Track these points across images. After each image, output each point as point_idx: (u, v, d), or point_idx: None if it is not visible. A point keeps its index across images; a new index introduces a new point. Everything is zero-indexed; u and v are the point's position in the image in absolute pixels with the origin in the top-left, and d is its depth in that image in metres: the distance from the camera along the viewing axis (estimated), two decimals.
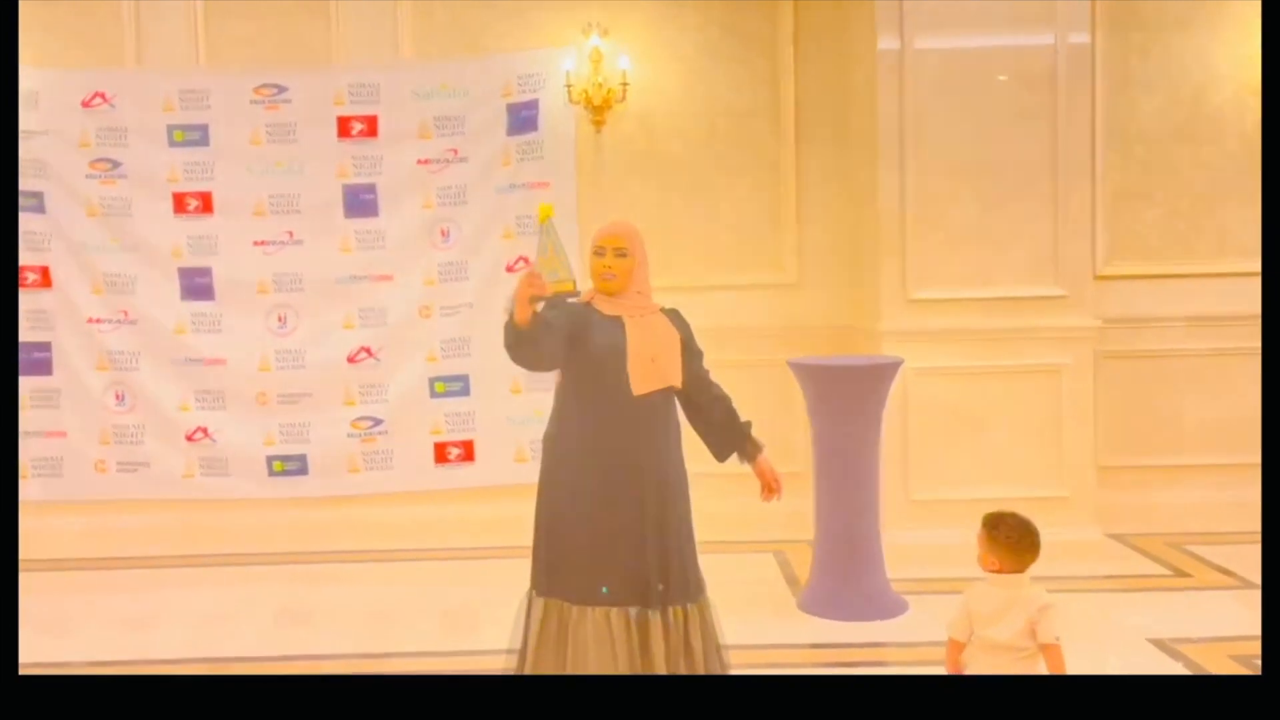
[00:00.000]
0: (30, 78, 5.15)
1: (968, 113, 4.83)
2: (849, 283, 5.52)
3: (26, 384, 5.22)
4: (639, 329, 2.83)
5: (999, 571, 2.73)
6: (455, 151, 5.21)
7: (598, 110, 5.35)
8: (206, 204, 5.22)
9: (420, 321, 5.24)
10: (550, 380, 2.97)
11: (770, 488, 3.07)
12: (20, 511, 4.90)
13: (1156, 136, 5.43)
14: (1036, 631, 2.63)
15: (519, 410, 5.07)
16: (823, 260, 5.58)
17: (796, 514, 5.12)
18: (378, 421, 5.25)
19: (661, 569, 2.78)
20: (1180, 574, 4.68)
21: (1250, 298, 4.05)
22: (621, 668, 2.65)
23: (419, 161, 5.21)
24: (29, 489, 5.22)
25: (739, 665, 3.09)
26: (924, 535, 4.74)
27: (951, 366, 4.82)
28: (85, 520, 5.37)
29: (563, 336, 2.72)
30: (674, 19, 5.51)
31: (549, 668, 2.73)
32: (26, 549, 4.90)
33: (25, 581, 4.58)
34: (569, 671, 2.68)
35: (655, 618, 2.74)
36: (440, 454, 5.28)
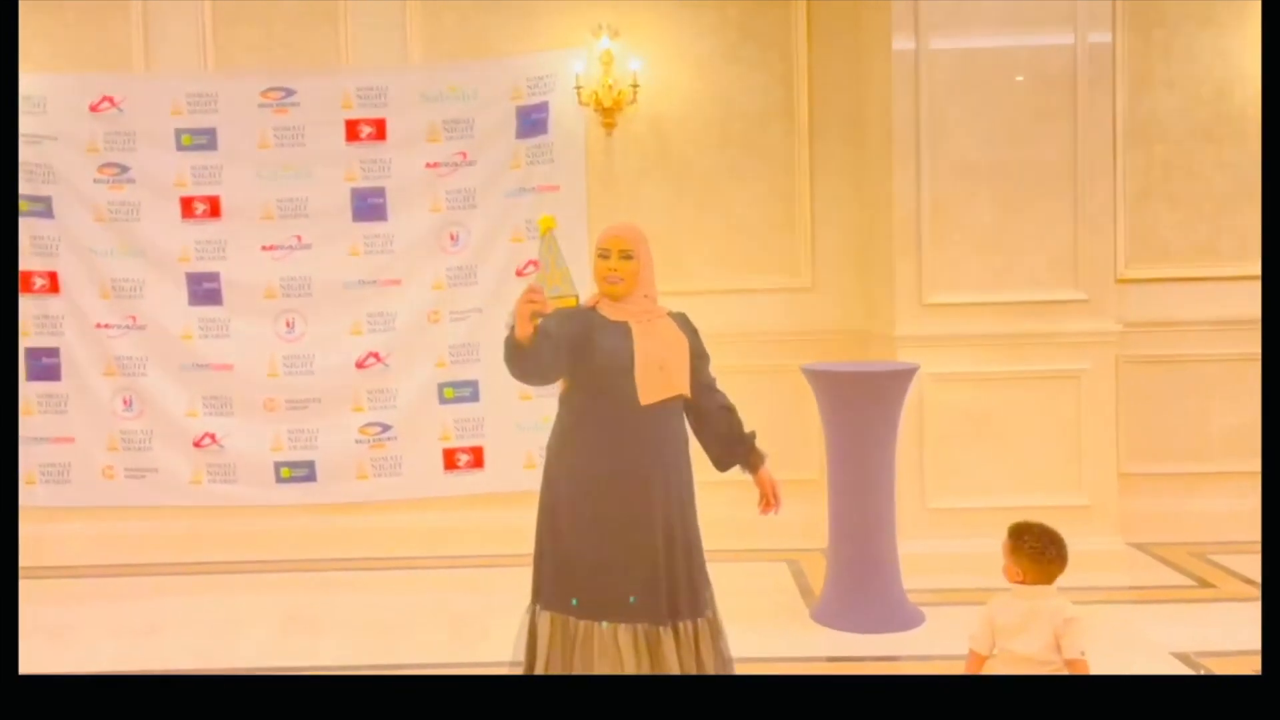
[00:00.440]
0: (38, 82, 5.15)
1: (985, 113, 4.74)
2: (863, 287, 5.44)
3: (35, 389, 5.21)
4: (646, 335, 2.75)
5: (1023, 583, 2.66)
6: (464, 155, 5.16)
7: (608, 113, 5.28)
8: (214, 208, 5.19)
9: (429, 326, 5.20)
10: (559, 386, 2.90)
11: (769, 500, 2.98)
12: (28, 517, 4.95)
13: (1178, 136, 5.32)
14: (1061, 645, 2.56)
15: (529, 416, 5.01)
16: (837, 264, 5.50)
17: (811, 522, 5.05)
18: (386, 427, 5.20)
19: (670, 584, 2.71)
20: (1204, 584, 4.58)
21: None
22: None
23: (428, 165, 5.16)
24: (37, 494, 5.21)
25: None
26: (941, 545, 4.65)
27: (968, 372, 4.73)
28: (92, 526, 5.33)
29: (565, 348, 2.65)
30: (685, 20, 5.43)
31: None
32: (34, 555, 4.92)
33: (32, 588, 4.60)
34: None
35: (666, 634, 2.67)
36: (449, 460, 5.23)
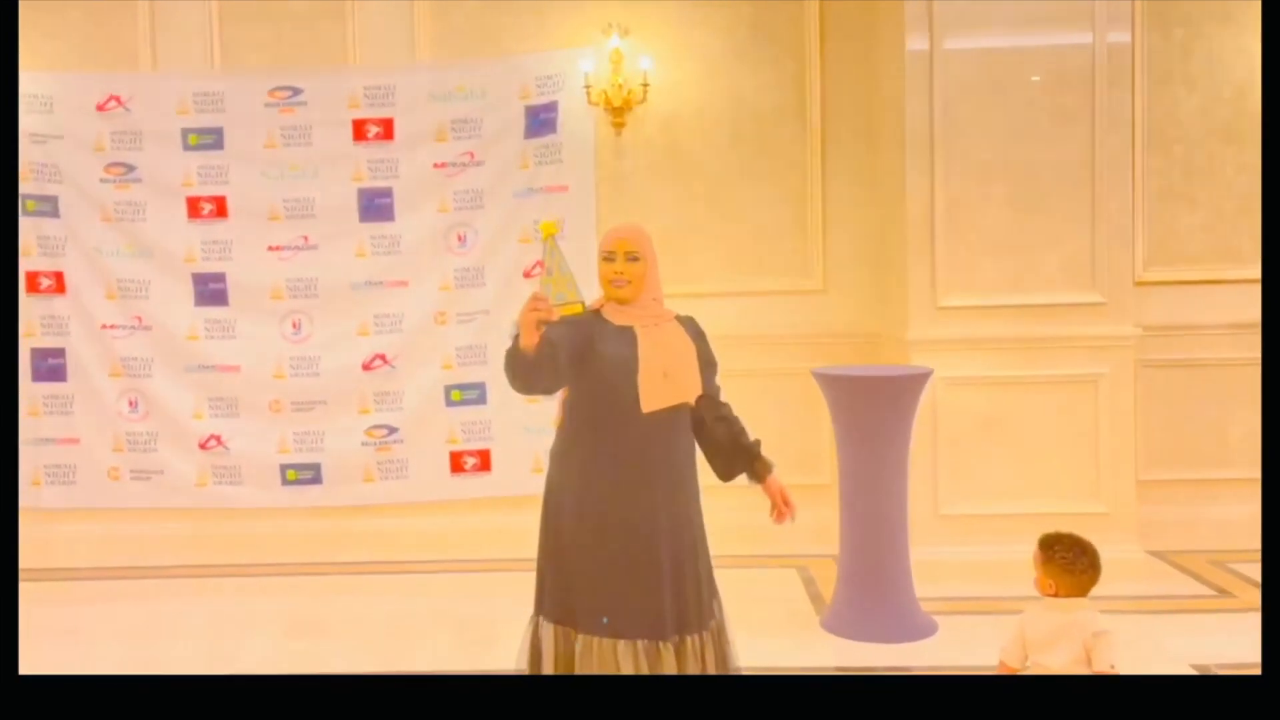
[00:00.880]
0: (45, 81, 5.12)
1: (1000, 114, 4.66)
2: (876, 289, 5.36)
3: (40, 390, 5.19)
4: (651, 341, 2.67)
5: (1055, 595, 2.58)
6: (472, 155, 5.11)
7: (618, 112, 5.22)
8: (221, 208, 5.15)
9: (436, 328, 5.15)
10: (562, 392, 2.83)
11: (780, 509, 2.88)
12: (33, 519, 4.93)
13: (1198, 137, 5.22)
14: (1091, 659, 2.49)
15: (536, 419, 4.94)
16: (849, 266, 5.43)
17: (821, 528, 4.97)
18: (393, 430, 5.15)
19: (674, 598, 2.63)
20: (1224, 594, 4.49)
21: None
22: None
23: (435, 165, 5.11)
24: (42, 496, 5.19)
25: None
26: (954, 552, 4.57)
27: (983, 376, 4.65)
28: (97, 528, 5.31)
29: (567, 356, 2.56)
30: (696, 18, 5.37)
31: None
32: (38, 557, 4.90)
33: (36, 591, 4.58)
34: None
35: (666, 649, 2.59)
36: (456, 463, 5.18)
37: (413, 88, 5.12)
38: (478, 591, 4.83)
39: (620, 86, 5.19)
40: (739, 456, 2.83)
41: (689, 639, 2.63)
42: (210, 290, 5.17)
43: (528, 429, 5.05)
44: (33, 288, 5.15)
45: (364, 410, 5.15)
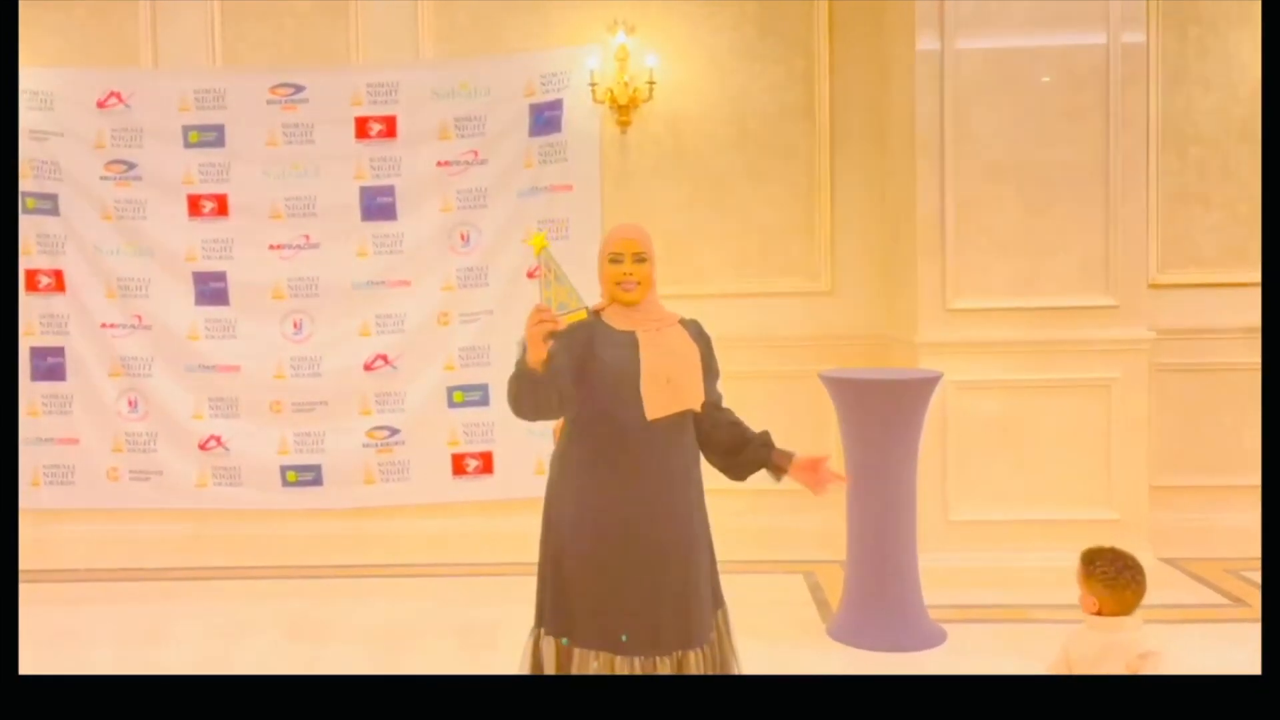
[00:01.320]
0: (46, 77, 5.07)
1: (1013, 114, 4.58)
2: (885, 291, 5.29)
3: (40, 389, 5.14)
4: (654, 345, 2.59)
5: (1098, 613, 2.49)
6: (476, 153, 5.05)
7: (623, 110, 5.16)
8: (222, 206, 5.10)
9: (438, 329, 5.08)
10: None
11: (820, 479, 2.68)
12: (31, 519, 4.88)
13: (1214, 137, 5.14)
14: None
15: (539, 422, 4.87)
16: (857, 267, 5.36)
17: (828, 533, 4.91)
18: (394, 431, 5.09)
19: (677, 614, 2.55)
20: (1238, 602, 4.40)
21: None
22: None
23: (438, 163, 5.05)
24: (40, 496, 5.14)
25: None
26: (963, 558, 4.50)
27: (993, 380, 4.57)
28: (96, 529, 5.28)
29: (571, 371, 2.49)
30: (703, 16, 5.31)
31: None
32: (36, 558, 4.85)
33: (34, 592, 4.53)
34: None
35: (664, 664, 2.52)
36: (458, 465, 5.11)
37: (416, 85, 5.05)
38: (479, 595, 4.76)
39: (626, 84, 5.13)
40: (747, 456, 2.70)
41: (691, 654, 2.55)
42: (211, 289, 5.11)
43: (531, 431, 4.91)
44: (32, 286, 5.10)
45: (365, 411, 5.09)
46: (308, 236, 5.09)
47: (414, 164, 5.05)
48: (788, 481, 2.70)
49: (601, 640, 2.51)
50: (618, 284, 2.61)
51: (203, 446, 5.12)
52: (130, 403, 5.14)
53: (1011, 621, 4.18)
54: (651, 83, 5.14)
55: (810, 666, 3.78)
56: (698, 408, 2.65)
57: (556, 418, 2.59)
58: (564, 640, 2.56)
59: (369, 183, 5.07)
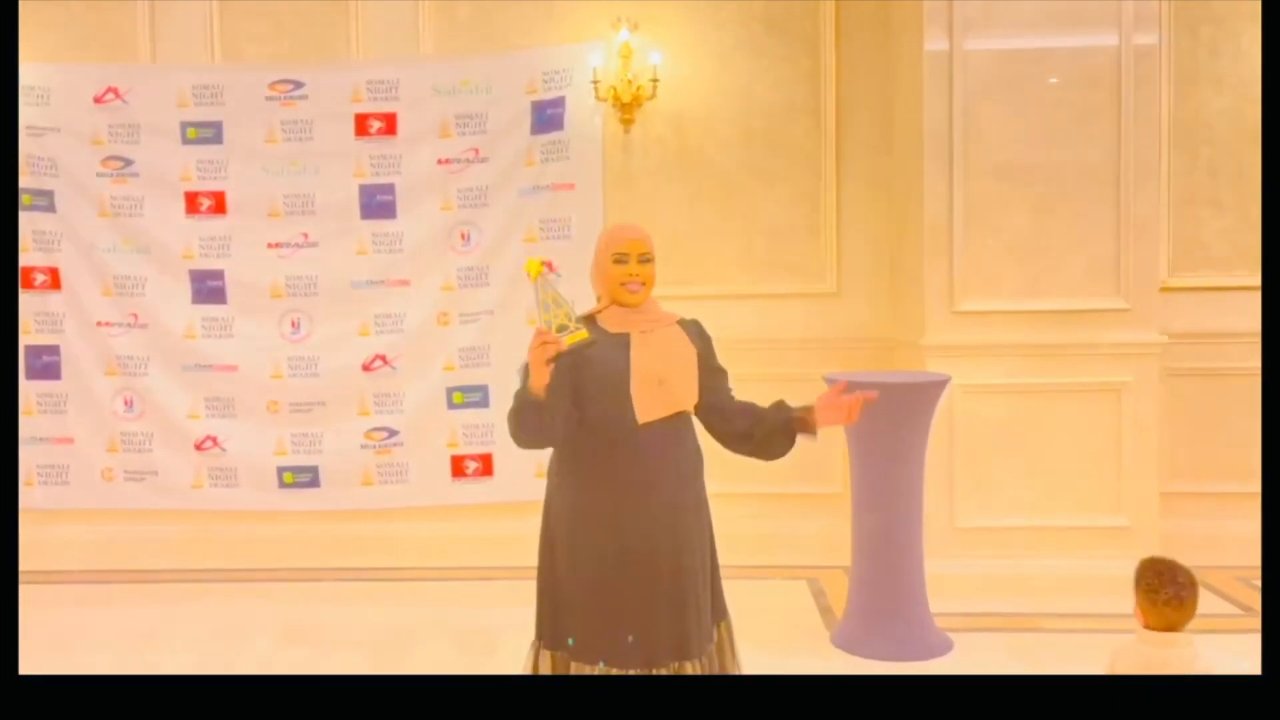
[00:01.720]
0: (42, 73, 5.01)
1: (1022, 115, 4.51)
2: (891, 293, 5.22)
3: (34, 388, 5.08)
4: (646, 347, 2.52)
5: (1147, 627, 2.40)
6: (476, 151, 4.97)
7: (627, 108, 5.09)
8: (220, 204, 5.03)
9: (438, 329, 5.01)
10: None
11: (851, 408, 2.53)
12: (24, 519, 4.80)
13: (1226, 138, 5.06)
14: None
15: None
16: (863, 269, 5.28)
17: (832, 538, 4.85)
18: (393, 433, 5.02)
19: (674, 625, 2.47)
20: (1249, 611, 4.34)
21: None
22: None
23: (439, 161, 4.97)
24: (34, 496, 5.08)
25: None
26: (970, 565, 4.43)
27: (1002, 384, 4.49)
28: (90, 530, 5.21)
29: (568, 387, 2.44)
30: (707, 13, 5.23)
31: None
32: (30, 559, 4.77)
33: (27, 594, 4.44)
34: None
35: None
36: (457, 467, 5.04)
37: (416, 82, 4.98)
38: (478, 600, 4.72)
39: (629, 82, 5.06)
40: (772, 431, 2.56)
41: (688, 665, 2.47)
42: (208, 288, 5.05)
43: None
44: (27, 284, 5.04)
45: (363, 412, 5.02)
46: (306, 235, 5.02)
47: (414, 162, 4.98)
48: (824, 438, 2.57)
49: (595, 653, 2.43)
50: (622, 285, 2.54)
51: (199, 447, 5.05)
52: (126, 402, 5.08)
53: (1020, 630, 4.11)
54: (655, 80, 5.07)
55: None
56: (691, 409, 2.57)
57: (558, 443, 2.52)
58: (559, 652, 2.49)
59: (368, 180, 5.00)
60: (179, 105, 5.02)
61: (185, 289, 5.04)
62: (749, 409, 2.61)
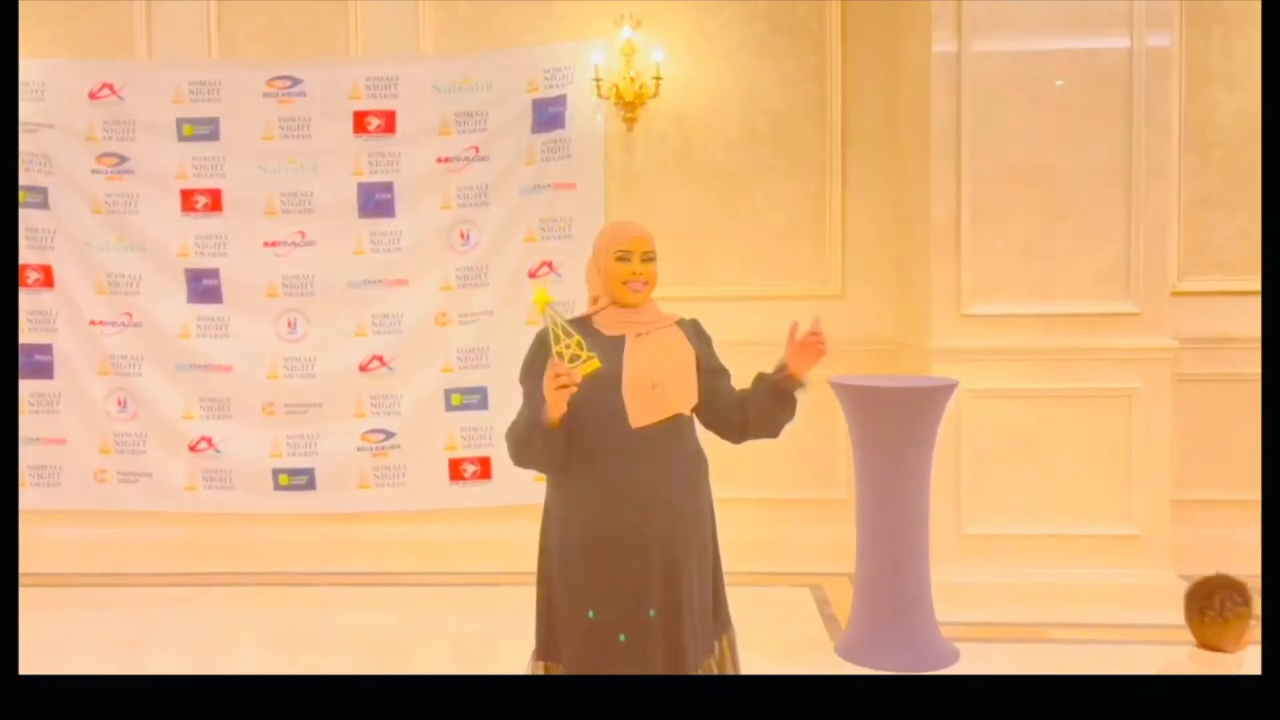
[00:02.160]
0: (37, 68, 4.94)
1: (1032, 116, 4.42)
2: (897, 295, 5.14)
3: (26, 387, 5.00)
4: (641, 349, 2.44)
5: (1199, 647, 2.31)
6: (477, 149, 4.90)
7: (629, 107, 5.01)
8: (216, 202, 4.96)
9: (436, 329, 4.93)
10: None
11: (814, 347, 2.46)
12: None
13: (1238, 139, 4.97)
14: None
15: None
16: (869, 271, 5.20)
17: (837, 544, 4.77)
18: (390, 435, 4.95)
19: (670, 640, 2.38)
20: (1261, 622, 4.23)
21: None
22: None
23: (438, 160, 4.90)
24: (26, 497, 5.00)
25: None
26: (977, 574, 4.34)
27: (1010, 389, 4.41)
28: (82, 532, 5.13)
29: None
30: (711, 10, 5.16)
31: None
32: (21, 561, 4.70)
33: (19, 596, 4.39)
34: None
35: None
36: (455, 471, 4.96)
37: (416, 79, 4.91)
38: (476, 605, 4.64)
39: (632, 80, 4.98)
40: (755, 396, 2.48)
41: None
42: (203, 287, 4.98)
43: None
44: (20, 281, 4.97)
45: (360, 414, 4.94)
46: (303, 233, 4.95)
47: (413, 160, 4.91)
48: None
49: (588, 666, 2.35)
50: (624, 283, 2.47)
51: (193, 448, 4.98)
52: (119, 402, 5.01)
53: (1028, 641, 4.03)
54: (658, 79, 4.99)
55: None
56: (687, 411, 2.48)
57: (558, 468, 2.45)
58: (557, 665, 2.42)
59: (367, 179, 4.93)
60: (175, 102, 4.95)
61: (180, 288, 4.97)
62: (741, 399, 2.54)
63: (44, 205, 4.97)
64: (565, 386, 2.23)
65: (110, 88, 4.96)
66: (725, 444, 2.63)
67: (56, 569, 4.96)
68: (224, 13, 5.21)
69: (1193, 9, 4.96)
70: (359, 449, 4.95)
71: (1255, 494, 4.85)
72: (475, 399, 4.95)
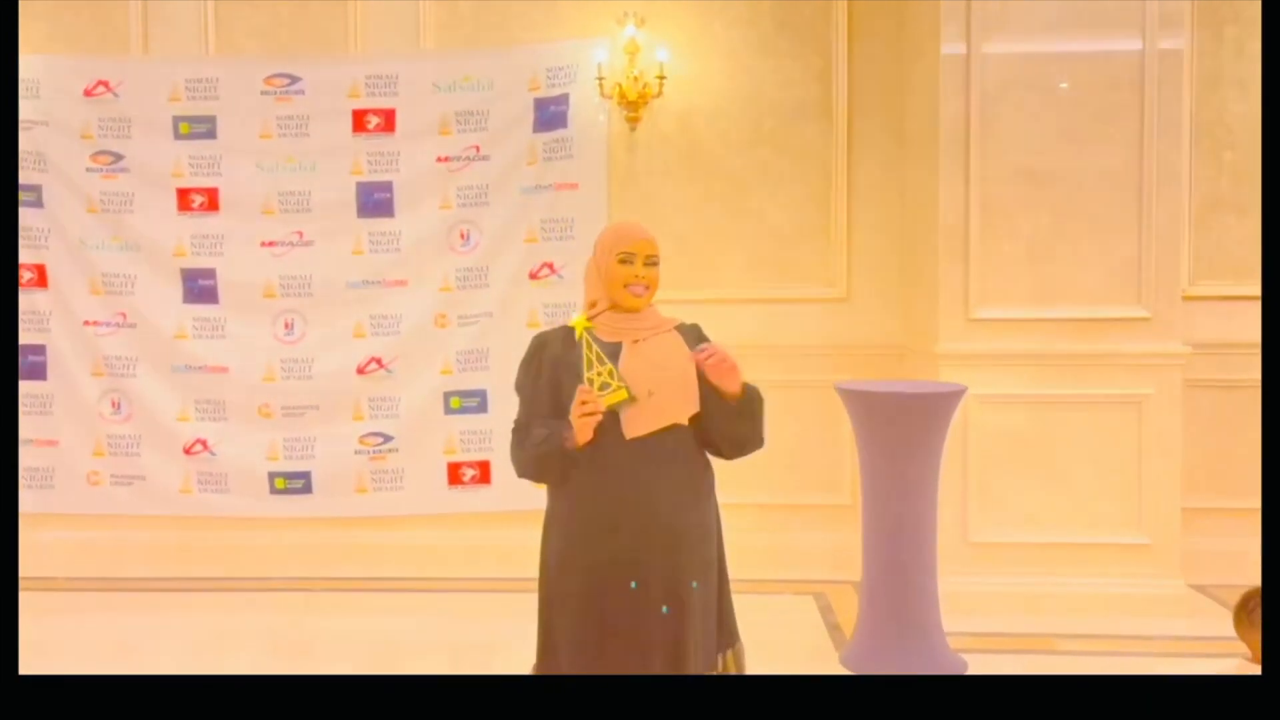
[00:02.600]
0: (31, 64, 4.87)
1: (1041, 118, 4.36)
2: (903, 299, 5.07)
3: (19, 388, 4.92)
4: (638, 356, 2.36)
5: (1253, 660, 2.25)
6: (477, 148, 4.83)
7: (633, 106, 4.95)
8: (212, 201, 4.89)
9: (435, 331, 4.86)
10: None
11: (724, 368, 2.34)
12: None
13: (1250, 142, 4.89)
14: None
15: None
16: (875, 274, 5.13)
17: (840, 551, 4.70)
18: (388, 438, 4.88)
19: (670, 658, 2.30)
20: None
21: None
22: None
23: (438, 159, 4.84)
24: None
25: None
26: (984, 583, 4.28)
27: (1018, 394, 4.34)
28: (75, 535, 5.06)
29: (553, 404, 2.39)
30: (716, 9, 5.09)
31: None
32: None
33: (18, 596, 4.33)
34: None
35: None
36: (454, 475, 4.89)
37: (416, 77, 4.84)
38: (475, 612, 4.59)
39: (635, 79, 4.92)
40: (716, 413, 2.39)
41: None
42: (199, 287, 4.91)
43: None
44: (18, 285, 4.90)
45: (358, 416, 4.87)
46: (301, 233, 4.88)
47: (413, 159, 4.84)
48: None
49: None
50: (626, 286, 2.39)
51: (188, 451, 4.91)
52: (113, 404, 4.94)
53: (1035, 652, 3.96)
54: (662, 78, 4.92)
55: None
56: (685, 421, 2.39)
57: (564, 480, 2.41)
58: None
59: (366, 178, 4.86)
60: (171, 99, 4.89)
61: (176, 288, 4.90)
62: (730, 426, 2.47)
63: (38, 204, 4.91)
64: (592, 414, 2.23)
65: (105, 85, 4.90)
66: None
67: (49, 573, 4.88)
68: (221, 9, 5.14)
69: (1204, 10, 4.90)
70: (356, 452, 4.88)
71: None
72: (475, 402, 4.88)
